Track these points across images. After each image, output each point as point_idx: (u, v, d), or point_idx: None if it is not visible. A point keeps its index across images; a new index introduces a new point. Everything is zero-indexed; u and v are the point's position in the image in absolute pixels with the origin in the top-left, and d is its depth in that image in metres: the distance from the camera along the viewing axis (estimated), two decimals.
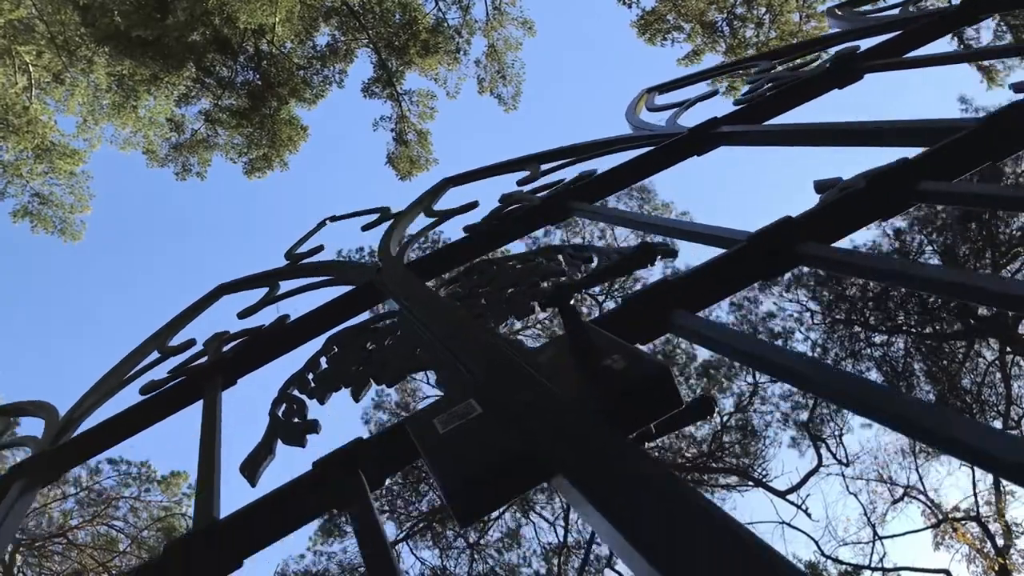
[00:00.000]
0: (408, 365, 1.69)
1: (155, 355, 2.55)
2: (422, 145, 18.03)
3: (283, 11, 15.89)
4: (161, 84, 16.97)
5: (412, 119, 17.94)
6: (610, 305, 15.67)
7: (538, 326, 16.12)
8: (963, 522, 14.81)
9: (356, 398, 1.71)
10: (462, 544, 15.85)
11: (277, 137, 17.68)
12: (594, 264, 1.89)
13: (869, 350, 15.94)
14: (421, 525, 15.88)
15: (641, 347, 1.66)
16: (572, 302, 1.49)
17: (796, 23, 16.87)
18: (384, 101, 17.89)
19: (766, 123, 2.86)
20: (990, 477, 14.79)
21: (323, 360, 1.89)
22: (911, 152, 2.37)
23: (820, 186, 2.14)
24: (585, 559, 14.86)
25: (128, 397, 2.55)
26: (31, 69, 17.07)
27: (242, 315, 2.52)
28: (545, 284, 1.83)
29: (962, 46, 13.18)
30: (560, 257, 1.93)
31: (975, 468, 14.51)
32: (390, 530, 15.41)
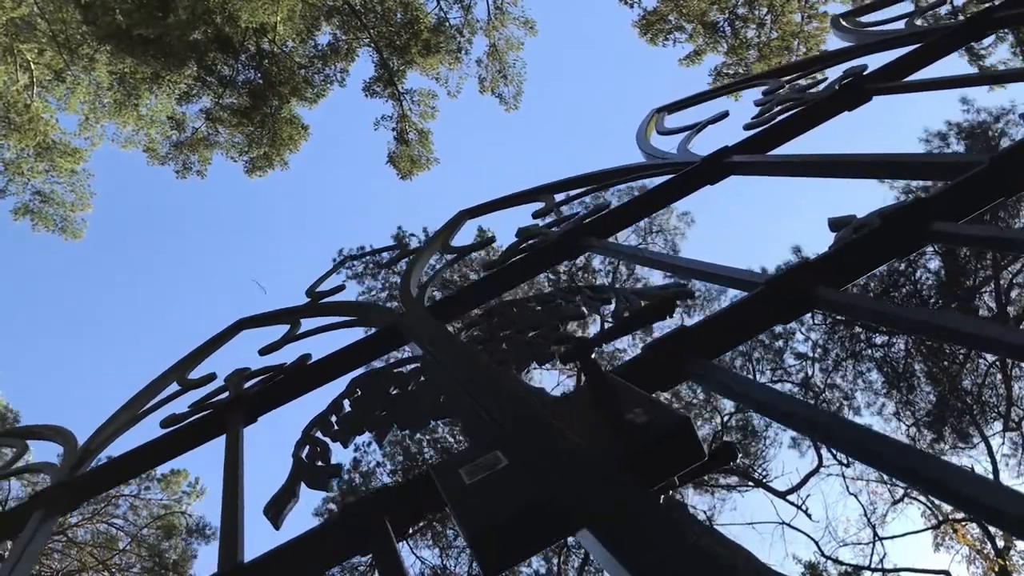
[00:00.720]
0: (432, 412, 1.71)
1: (175, 387, 2.57)
2: (423, 144, 18.03)
3: (285, 10, 15.87)
4: (162, 82, 16.95)
5: (413, 118, 17.93)
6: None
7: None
8: (963, 523, 14.86)
9: (379, 443, 1.74)
10: (462, 543, 15.88)
11: (278, 136, 17.66)
12: (612, 306, 1.92)
13: (870, 351, 15.97)
14: (421, 524, 15.91)
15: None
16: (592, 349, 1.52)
17: (798, 23, 16.85)
18: (385, 100, 17.89)
19: (776, 151, 2.88)
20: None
21: (346, 403, 1.91)
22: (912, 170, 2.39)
23: (835, 223, 2.16)
24: (585, 558, 14.91)
25: (146, 426, 2.58)
26: (32, 67, 17.05)
27: (263, 352, 2.54)
28: (564, 328, 1.85)
29: (968, 56, 13.18)
30: (578, 299, 1.95)
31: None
32: None
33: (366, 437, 1.80)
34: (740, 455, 16.03)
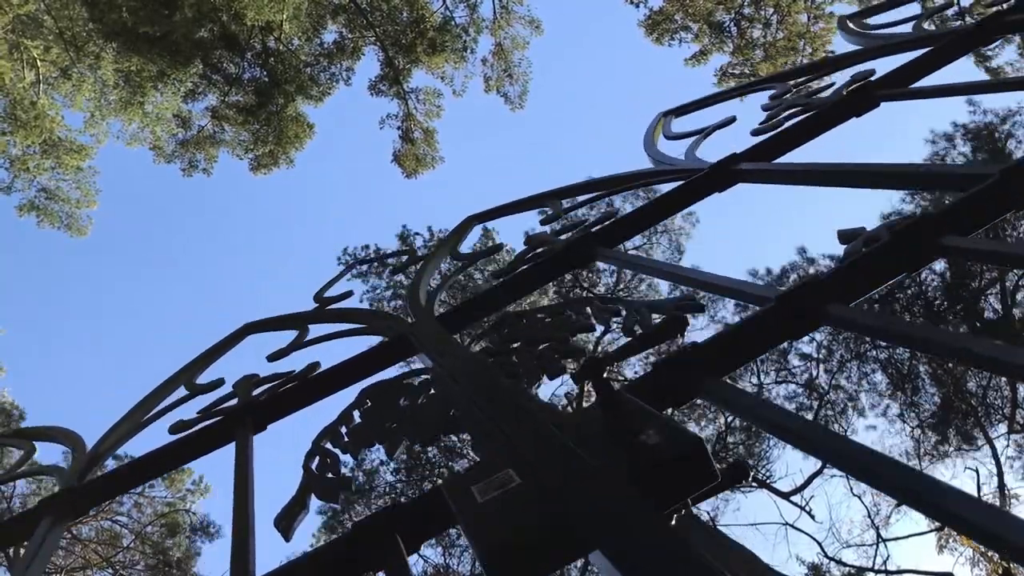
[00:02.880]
0: (442, 426, 1.71)
1: (182, 392, 2.58)
2: (428, 143, 18.06)
3: (291, 8, 15.88)
4: (168, 80, 16.95)
5: (418, 117, 17.96)
6: None
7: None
8: None
9: (390, 456, 1.73)
10: (464, 542, 15.89)
11: (283, 134, 17.67)
12: (622, 317, 1.92)
13: (874, 352, 15.95)
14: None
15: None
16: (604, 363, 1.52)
17: (804, 24, 16.82)
18: (391, 99, 17.92)
19: (784, 158, 2.88)
20: (994, 481, 14.82)
21: (356, 413, 1.91)
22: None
23: (844, 236, 2.16)
24: (587, 560, 14.90)
25: (153, 428, 2.58)
26: (39, 64, 17.07)
27: (271, 358, 2.53)
28: (575, 339, 1.86)
29: (975, 58, 13.15)
30: (588, 310, 1.95)
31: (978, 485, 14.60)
32: None
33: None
34: (741, 450, 16.02)
